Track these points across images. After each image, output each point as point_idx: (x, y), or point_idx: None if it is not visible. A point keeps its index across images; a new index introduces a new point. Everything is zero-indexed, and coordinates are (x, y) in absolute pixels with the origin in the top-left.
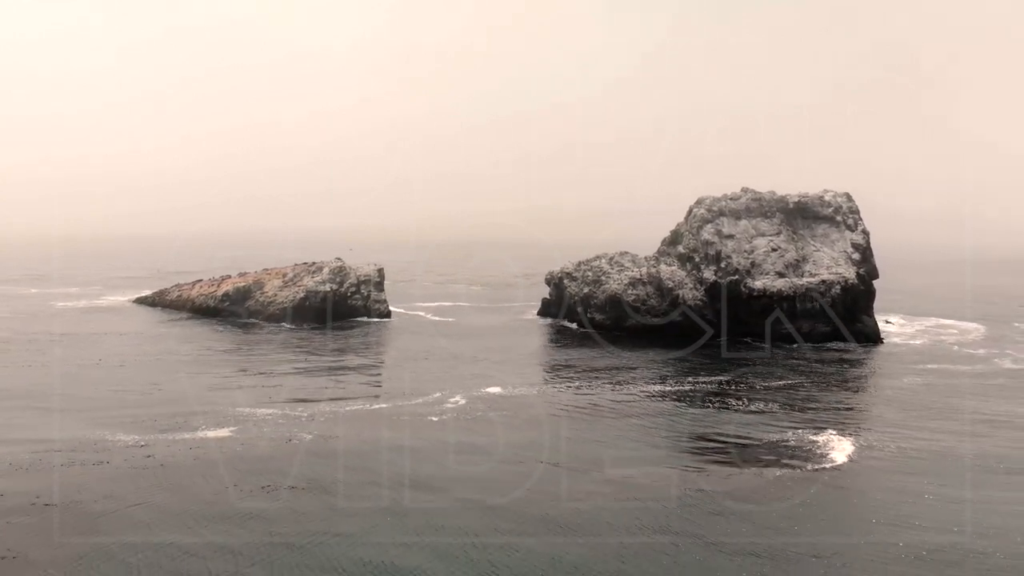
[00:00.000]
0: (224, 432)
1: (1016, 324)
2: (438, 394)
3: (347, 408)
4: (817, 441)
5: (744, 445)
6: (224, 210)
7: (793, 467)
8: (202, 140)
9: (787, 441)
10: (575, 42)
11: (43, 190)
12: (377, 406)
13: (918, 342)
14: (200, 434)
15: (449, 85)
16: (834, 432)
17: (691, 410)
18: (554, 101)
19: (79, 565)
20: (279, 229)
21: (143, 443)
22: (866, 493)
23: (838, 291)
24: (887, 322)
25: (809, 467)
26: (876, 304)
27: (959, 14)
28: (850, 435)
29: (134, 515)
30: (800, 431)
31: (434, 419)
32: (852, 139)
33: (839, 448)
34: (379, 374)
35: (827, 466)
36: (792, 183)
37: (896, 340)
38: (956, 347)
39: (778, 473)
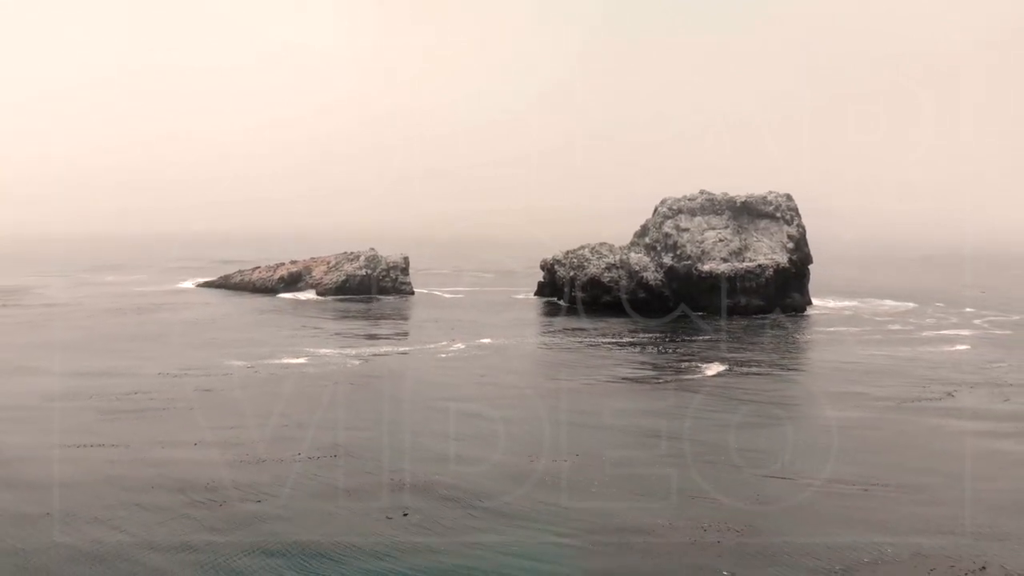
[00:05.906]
0: (301, 360)
1: (938, 304)
2: (445, 342)
3: (382, 349)
4: (701, 366)
5: (653, 368)
6: (221, 210)
7: (673, 376)
8: (194, 141)
9: (681, 365)
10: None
11: (42, 188)
12: (403, 348)
13: (843, 314)
14: (284, 361)
15: (445, 83)
16: (717, 362)
17: (625, 351)
18: (544, 100)
19: (223, 413)
20: (280, 229)
21: (249, 365)
22: (698, 390)
23: (771, 273)
24: (813, 302)
25: (684, 377)
26: (842, 289)
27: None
28: (726, 363)
29: (255, 397)
30: (695, 361)
31: (442, 356)
32: (853, 140)
33: (712, 370)
34: (404, 330)
35: (695, 376)
36: (800, 185)
37: (823, 312)
38: (868, 317)
39: (667, 378)
